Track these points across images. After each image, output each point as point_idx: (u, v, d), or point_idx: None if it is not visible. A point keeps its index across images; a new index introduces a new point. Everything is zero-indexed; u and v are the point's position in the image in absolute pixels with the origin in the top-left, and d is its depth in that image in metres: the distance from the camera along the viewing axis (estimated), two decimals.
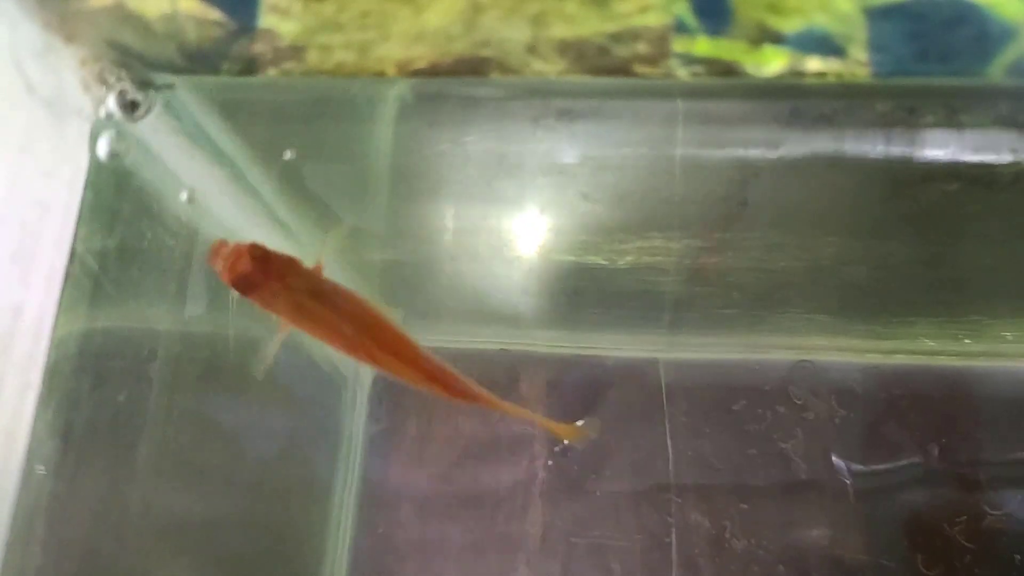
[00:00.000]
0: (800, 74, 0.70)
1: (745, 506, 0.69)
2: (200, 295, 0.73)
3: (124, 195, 0.74)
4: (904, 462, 0.69)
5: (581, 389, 0.73)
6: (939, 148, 0.72)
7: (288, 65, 0.72)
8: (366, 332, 0.63)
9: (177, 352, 0.71)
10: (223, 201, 0.77)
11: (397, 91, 0.75)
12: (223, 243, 0.63)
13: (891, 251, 0.73)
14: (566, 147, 0.76)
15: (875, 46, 0.68)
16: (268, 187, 0.76)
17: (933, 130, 0.72)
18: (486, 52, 0.71)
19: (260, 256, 0.62)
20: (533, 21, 0.70)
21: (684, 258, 0.74)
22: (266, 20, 0.71)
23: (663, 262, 0.74)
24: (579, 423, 0.69)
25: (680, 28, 0.70)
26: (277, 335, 0.64)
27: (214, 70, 0.73)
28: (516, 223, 0.76)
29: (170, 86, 0.75)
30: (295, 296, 0.63)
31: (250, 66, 0.72)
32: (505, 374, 0.72)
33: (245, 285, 0.62)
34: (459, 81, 0.74)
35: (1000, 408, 0.70)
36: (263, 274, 0.62)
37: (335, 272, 0.64)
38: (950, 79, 0.69)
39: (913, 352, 0.72)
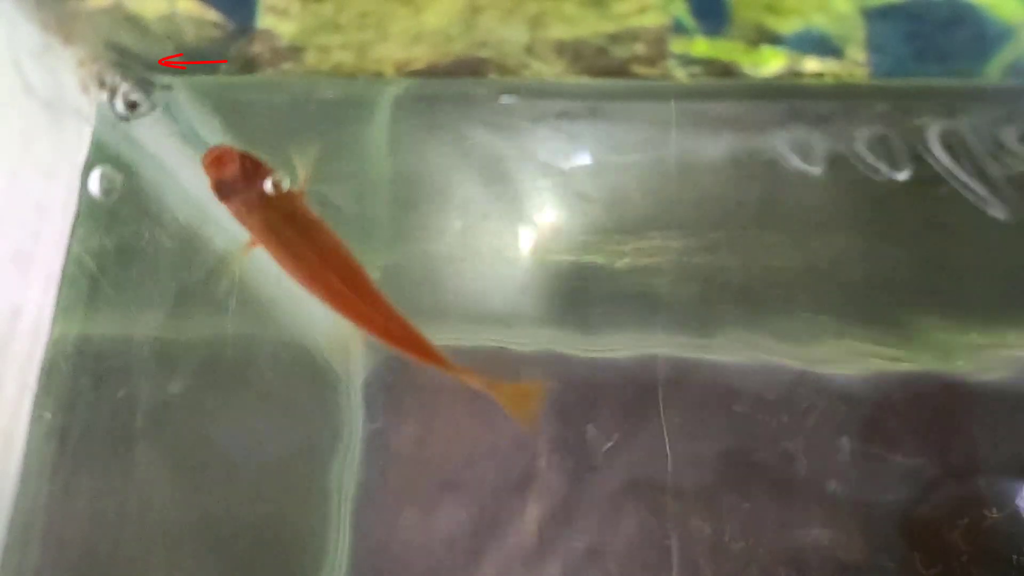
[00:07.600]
0: (798, 75, 0.70)
1: (745, 507, 0.69)
2: (199, 296, 0.73)
3: (122, 196, 0.74)
4: (904, 463, 0.69)
5: (580, 390, 0.72)
6: (937, 148, 0.72)
7: (286, 66, 0.72)
8: (334, 270, 0.62)
9: (174, 353, 0.71)
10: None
11: (395, 92, 0.76)
12: (217, 146, 0.62)
13: (890, 252, 0.73)
14: (565, 148, 0.76)
15: (873, 47, 0.68)
16: None
17: (931, 131, 0.72)
18: (484, 53, 0.72)
19: (250, 166, 0.61)
20: (531, 22, 0.70)
21: (683, 258, 0.74)
22: (264, 20, 0.71)
23: (662, 262, 0.74)
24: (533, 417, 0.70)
25: (678, 29, 0.70)
26: (242, 252, 0.63)
27: (212, 70, 0.73)
28: (515, 224, 0.76)
29: (168, 86, 0.75)
30: (271, 215, 0.61)
31: (248, 66, 0.72)
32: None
33: (225, 190, 0.61)
34: (457, 82, 0.74)
35: (1000, 410, 0.70)
36: (246, 183, 0.60)
37: None
38: (948, 80, 0.70)
39: (913, 353, 0.72)
